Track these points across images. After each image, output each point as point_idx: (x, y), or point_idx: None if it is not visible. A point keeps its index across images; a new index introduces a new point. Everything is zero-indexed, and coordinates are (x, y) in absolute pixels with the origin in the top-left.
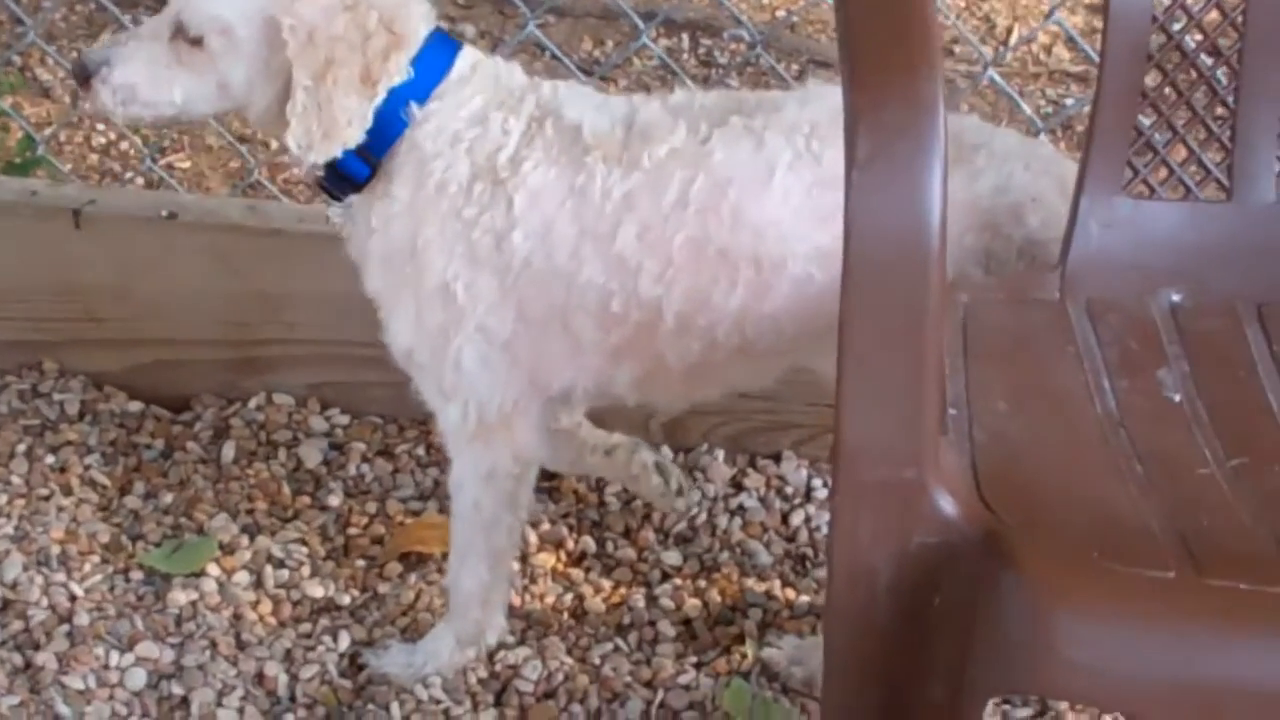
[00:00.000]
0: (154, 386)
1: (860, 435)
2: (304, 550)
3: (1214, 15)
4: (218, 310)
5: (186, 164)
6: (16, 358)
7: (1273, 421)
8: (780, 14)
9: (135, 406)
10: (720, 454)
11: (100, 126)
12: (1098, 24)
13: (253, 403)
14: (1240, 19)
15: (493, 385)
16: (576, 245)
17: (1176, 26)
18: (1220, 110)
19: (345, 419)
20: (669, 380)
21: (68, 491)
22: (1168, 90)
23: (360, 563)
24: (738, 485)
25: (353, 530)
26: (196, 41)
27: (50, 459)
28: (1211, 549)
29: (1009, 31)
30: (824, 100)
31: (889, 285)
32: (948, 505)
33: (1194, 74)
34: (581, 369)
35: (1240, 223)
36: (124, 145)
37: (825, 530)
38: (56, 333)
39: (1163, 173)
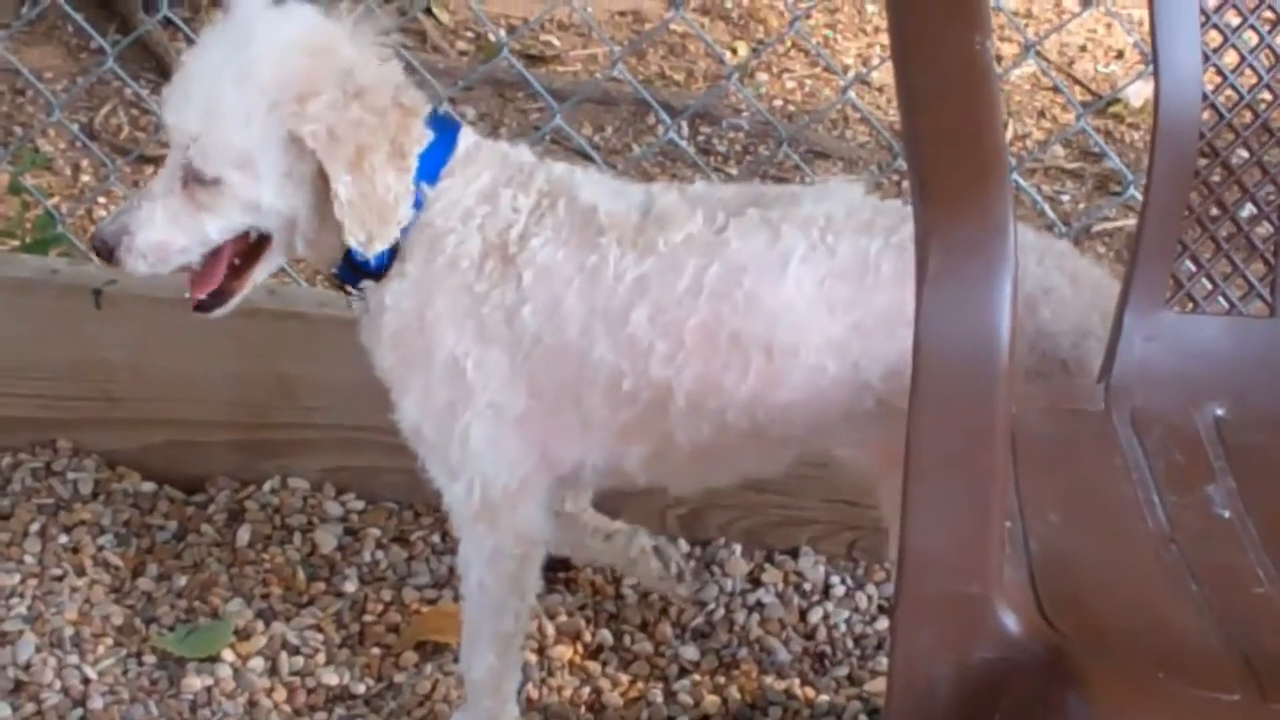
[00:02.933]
0: (168, 467)
1: (925, 549)
2: (319, 637)
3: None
4: (235, 392)
5: None
6: (31, 435)
7: None
8: (778, 103)
9: (149, 487)
10: (737, 548)
11: (103, 200)
12: (1093, 122)
13: (267, 486)
14: None
15: (499, 463)
16: (587, 323)
17: (1222, 144)
18: (1264, 226)
19: (360, 504)
20: (679, 461)
21: (81, 572)
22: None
23: (376, 651)
24: (755, 581)
25: (368, 617)
26: (214, 181)
27: (63, 538)
28: (1274, 670)
29: (1004, 127)
30: (841, 196)
31: (956, 401)
32: (1010, 621)
33: (1238, 190)
34: (591, 446)
35: None
36: None
37: (844, 629)
38: (72, 411)
39: (1206, 287)
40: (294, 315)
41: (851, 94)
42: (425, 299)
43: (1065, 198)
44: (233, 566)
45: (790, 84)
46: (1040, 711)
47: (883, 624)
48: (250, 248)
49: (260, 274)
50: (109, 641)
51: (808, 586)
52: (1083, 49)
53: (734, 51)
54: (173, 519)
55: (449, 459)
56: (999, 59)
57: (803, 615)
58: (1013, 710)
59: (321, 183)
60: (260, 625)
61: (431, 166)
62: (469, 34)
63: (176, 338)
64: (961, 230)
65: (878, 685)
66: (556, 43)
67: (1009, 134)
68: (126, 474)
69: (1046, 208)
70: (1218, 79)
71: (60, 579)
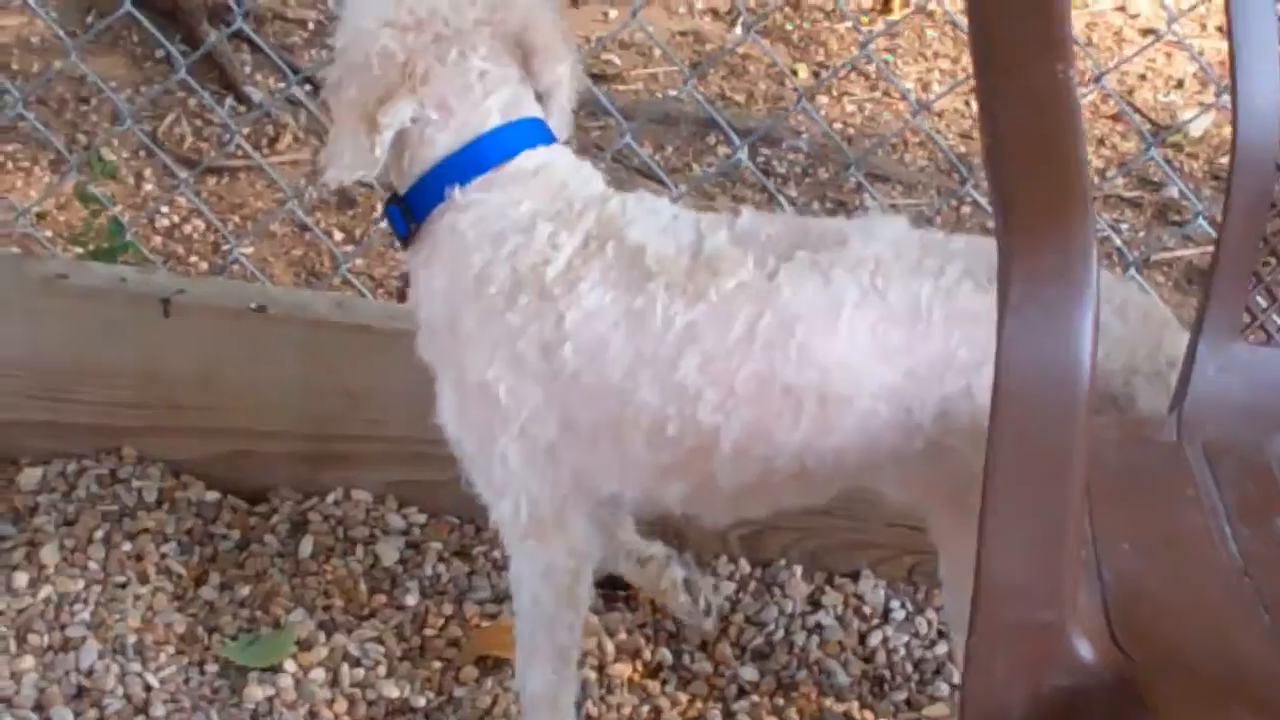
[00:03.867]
0: (232, 477)
1: (1003, 576)
2: (380, 649)
3: None
4: (300, 403)
5: (250, 250)
6: (96, 442)
7: None
8: (837, 126)
9: (212, 496)
10: (798, 570)
11: (165, 209)
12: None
13: (330, 498)
14: None
15: (542, 483)
16: (633, 368)
17: None
18: None
19: (422, 518)
20: (718, 498)
21: (144, 580)
22: None
23: (436, 664)
24: (815, 603)
25: (429, 631)
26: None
27: (127, 546)
28: None
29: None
30: (887, 233)
31: (1037, 429)
32: (1084, 649)
33: None
34: (629, 482)
35: None
36: (187, 229)
37: (903, 653)
38: (138, 419)
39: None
40: (360, 328)
41: (917, 119)
42: (455, 311)
43: (1124, 226)
44: (295, 577)
45: (850, 107)
46: None
47: (942, 649)
48: None
49: None
50: (171, 649)
51: (867, 610)
52: (1142, 78)
53: (795, 73)
54: (236, 529)
55: (492, 478)
56: None
57: (862, 639)
58: None
59: None
60: (322, 636)
61: (469, 169)
62: None
63: (244, 348)
64: (1044, 257)
65: (936, 710)
66: (618, 61)
67: None
68: (190, 483)
69: (1115, 237)
70: None
71: (123, 586)
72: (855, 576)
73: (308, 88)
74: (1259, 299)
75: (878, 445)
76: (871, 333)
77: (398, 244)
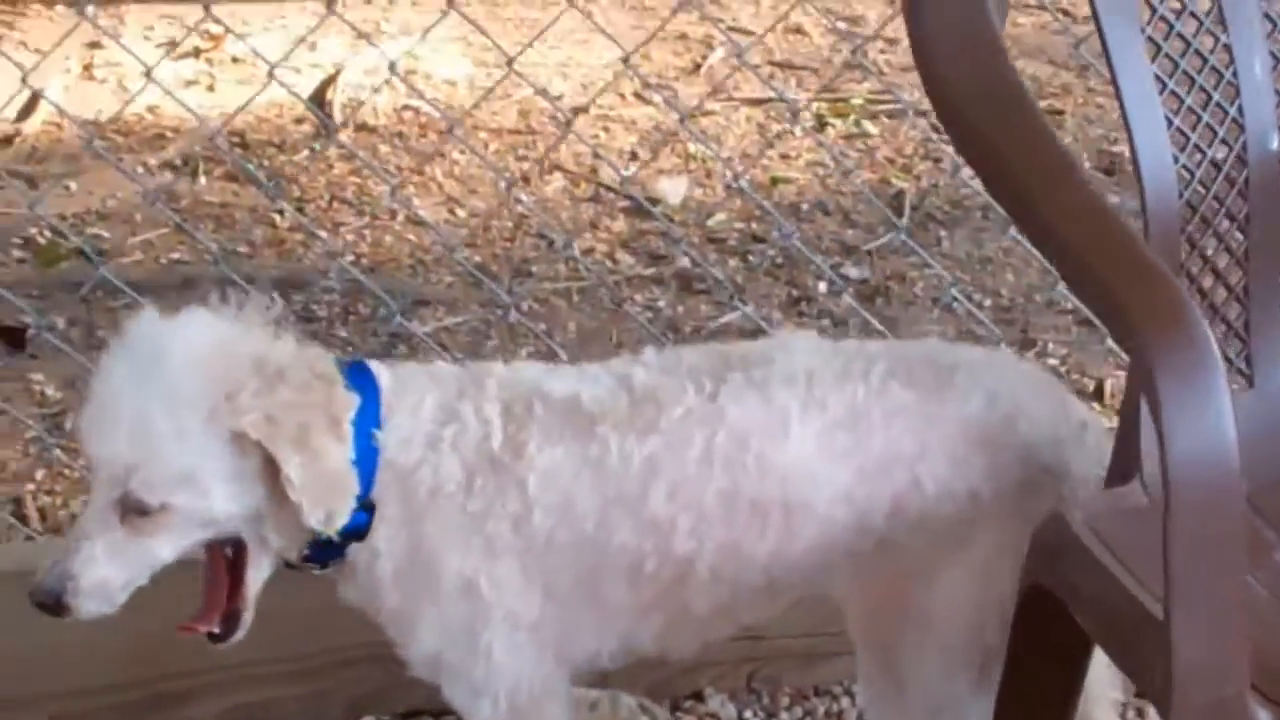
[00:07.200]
0: None
1: (1192, 659)
2: None
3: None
4: (123, 652)
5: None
6: None
7: None
8: (348, 258)
9: None
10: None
11: None
12: (648, 225)
13: None
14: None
15: (522, 671)
16: (603, 514)
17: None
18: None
19: None
20: (691, 625)
21: None
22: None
23: None
24: None
25: None
26: (161, 509)
27: None
28: None
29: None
30: (804, 345)
31: (1209, 514)
32: (1264, 715)
33: (1213, 276)
34: (608, 634)
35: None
36: None
37: None
38: None
39: None
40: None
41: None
42: (417, 533)
43: (661, 304)
44: None
45: (351, 237)
46: None
47: None
48: (231, 561)
49: (256, 581)
50: None
51: None
52: (597, 156)
53: (281, 214)
54: None
55: (474, 679)
56: (525, 181)
57: None
58: None
59: (271, 473)
60: None
61: (371, 411)
62: (17, 241)
63: None
64: (1181, 356)
65: None
66: (106, 235)
67: (576, 250)
68: None
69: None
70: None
71: None
72: (700, 696)
73: None
74: None
75: (834, 547)
76: (819, 438)
77: None
